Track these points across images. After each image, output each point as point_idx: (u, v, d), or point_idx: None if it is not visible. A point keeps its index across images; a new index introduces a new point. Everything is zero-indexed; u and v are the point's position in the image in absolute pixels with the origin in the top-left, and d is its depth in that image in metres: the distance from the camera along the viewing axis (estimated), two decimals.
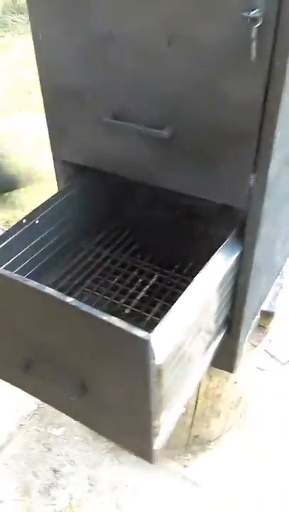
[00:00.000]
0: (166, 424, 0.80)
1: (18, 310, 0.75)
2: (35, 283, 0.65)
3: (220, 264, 0.80)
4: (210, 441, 1.54)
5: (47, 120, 0.90)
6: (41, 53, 0.82)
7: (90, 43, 0.75)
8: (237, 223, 0.82)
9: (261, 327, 1.31)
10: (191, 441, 1.50)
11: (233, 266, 0.84)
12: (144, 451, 0.79)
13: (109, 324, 0.60)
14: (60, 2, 0.74)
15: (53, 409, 1.58)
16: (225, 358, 1.06)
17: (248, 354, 1.29)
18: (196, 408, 1.36)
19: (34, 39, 0.80)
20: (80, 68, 0.79)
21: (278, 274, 1.33)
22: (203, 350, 0.88)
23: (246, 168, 0.73)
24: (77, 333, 0.68)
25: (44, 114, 0.89)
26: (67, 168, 0.96)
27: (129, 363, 0.65)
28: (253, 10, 0.58)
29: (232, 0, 0.59)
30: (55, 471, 1.49)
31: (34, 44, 0.81)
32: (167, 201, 0.98)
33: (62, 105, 0.86)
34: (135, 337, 0.59)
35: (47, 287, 0.65)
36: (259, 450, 1.53)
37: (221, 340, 0.98)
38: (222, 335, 0.98)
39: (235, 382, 1.34)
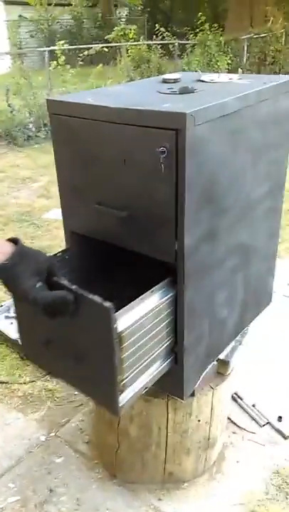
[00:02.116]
0: (130, 389, 1.17)
1: None
2: None
3: (154, 297, 1.19)
4: (184, 482, 1.77)
5: (61, 204, 1.39)
6: (59, 166, 1.33)
7: (85, 162, 1.25)
8: (172, 273, 1.22)
9: (220, 374, 1.63)
10: (166, 478, 1.74)
11: (168, 303, 1.22)
12: (111, 405, 1.14)
13: (88, 298, 1.01)
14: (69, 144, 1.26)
15: (57, 441, 1.92)
16: (175, 385, 1.38)
17: (220, 403, 1.59)
18: (167, 442, 1.63)
19: (55, 159, 1.32)
20: (78, 175, 1.28)
21: (239, 333, 1.66)
22: (155, 354, 1.25)
23: (171, 237, 1.15)
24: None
25: None
26: (73, 235, 1.42)
27: (101, 329, 1.04)
28: (160, 147, 1.04)
29: (151, 141, 1.06)
30: (50, 490, 1.77)
31: (55, 161, 1.33)
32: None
33: (68, 195, 1.35)
34: (104, 307, 1.00)
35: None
36: (227, 501, 1.72)
37: (170, 366, 1.32)
38: (170, 360, 1.32)
39: (199, 421, 1.62)
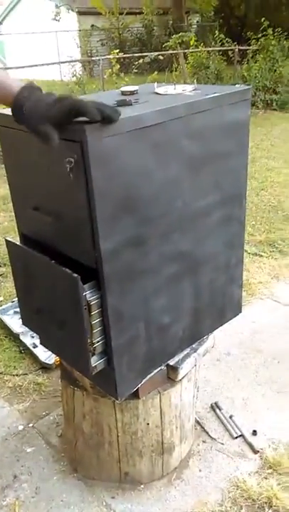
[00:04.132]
0: (100, 354, 1.35)
1: (32, 273, 1.42)
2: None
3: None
4: (140, 484, 1.80)
5: (13, 207, 1.50)
6: (7, 173, 1.44)
7: (21, 170, 1.35)
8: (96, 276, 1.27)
9: (171, 380, 1.64)
10: (123, 478, 1.78)
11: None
12: (85, 368, 1.34)
13: (62, 270, 1.22)
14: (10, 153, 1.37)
15: (33, 432, 2.02)
16: (110, 385, 1.43)
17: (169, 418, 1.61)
18: (118, 442, 1.68)
19: (4, 167, 1.44)
20: (19, 182, 1.39)
21: (195, 340, 1.67)
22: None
23: (90, 243, 1.21)
24: (54, 284, 1.31)
25: None
26: (24, 237, 1.52)
27: (73, 297, 1.22)
28: (68, 157, 1.11)
29: (61, 153, 1.13)
30: (15, 476, 1.88)
31: (6, 169, 1.44)
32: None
33: (16, 200, 1.46)
34: (73, 276, 1.19)
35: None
36: (179, 508, 1.73)
37: (104, 365, 1.37)
38: (104, 360, 1.37)
39: (148, 424, 1.65)
